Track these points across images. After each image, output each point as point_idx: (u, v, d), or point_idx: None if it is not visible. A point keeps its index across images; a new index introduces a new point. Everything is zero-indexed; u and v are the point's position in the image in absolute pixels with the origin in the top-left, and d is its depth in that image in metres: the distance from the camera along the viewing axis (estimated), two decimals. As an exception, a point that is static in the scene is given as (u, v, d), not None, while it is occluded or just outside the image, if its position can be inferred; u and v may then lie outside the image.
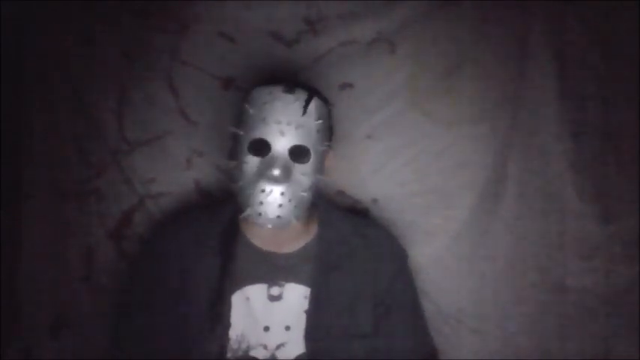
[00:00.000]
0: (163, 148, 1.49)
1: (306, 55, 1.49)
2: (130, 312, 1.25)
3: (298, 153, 1.16)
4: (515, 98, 1.50)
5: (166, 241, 1.26)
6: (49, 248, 1.48)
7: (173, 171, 1.50)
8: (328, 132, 1.23)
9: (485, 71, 1.50)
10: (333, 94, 1.47)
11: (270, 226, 1.16)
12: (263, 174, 1.14)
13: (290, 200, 1.16)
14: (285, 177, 1.14)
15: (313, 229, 1.29)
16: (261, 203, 1.15)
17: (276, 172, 1.13)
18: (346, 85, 1.50)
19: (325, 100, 1.24)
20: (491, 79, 1.50)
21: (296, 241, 1.27)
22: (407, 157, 1.50)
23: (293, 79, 1.28)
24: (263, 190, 1.14)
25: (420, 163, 1.50)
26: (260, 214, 1.15)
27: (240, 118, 1.18)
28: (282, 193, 1.15)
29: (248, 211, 1.16)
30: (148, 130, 1.49)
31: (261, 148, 1.16)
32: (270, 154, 1.15)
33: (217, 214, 1.29)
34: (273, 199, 1.15)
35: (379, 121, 1.50)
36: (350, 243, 1.29)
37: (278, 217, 1.15)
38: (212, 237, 1.25)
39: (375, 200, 1.51)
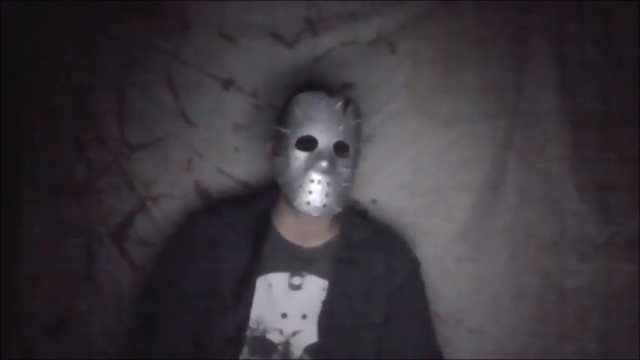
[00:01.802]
0: (164, 149, 1.50)
1: (306, 55, 1.49)
2: (157, 287, 1.34)
3: (340, 148, 1.27)
4: (515, 98, 1.50)
5: (202, 225, 1.35)
6: (49, 248, 1.48)
7: (173, 173, 1.50)
8: (361, 133, 1.34)
9: (485, 71, 1.50)
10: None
11: (316, 214, 1.26)
12: (312, 165, 1.25)
13: (335, 190, 1.26)
14: (332, 168, 1.25)
15: (336, 228, 1.37)
16: (311, 192, 1.25)
17: (325, 163, 1.24)
18: (346, 85, 1.50)
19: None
20: (491, 79, 1.50)
21: (320, 237, 1.35)
22: (407, 157, 1.51)
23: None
24: (312, 181, 1.25)
25: (420, 164, 1.50)
26: (309, 203, 1.25)
27: (286, 120, 1.28)
28: (329, 184, 1.25)
29: (297, 201, 1.25)
30: (148, 131, 1.49)
31: (309, 144, 1.26)
32: (318, 148, 1.25)
33: (252, 205, 1.39)
34: (322, 188, 1.25)
35: (379, 121, 1.50)
36: (369, 244, 1.36)
37: (324, 205, 1.26)
38: (245, 226, 1.35)
39: (374, 201, 1.52)
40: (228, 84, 1.49)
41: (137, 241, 1.50)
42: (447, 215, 1.50)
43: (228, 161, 1.51)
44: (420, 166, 1.51)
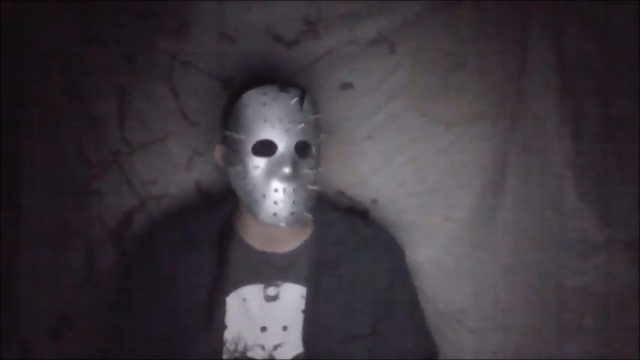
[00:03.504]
0: (164, 149, 1.49)
1: (306, 55, 1.49)
2: (125, 314, 1.27)
3: (302, 149, 1.18)
4: (515, 98, 1.50)
5: (161, 244, 1.27)
6: (49, 248, 1.48)
7: (174, 172, 1.50)
8: (320, 127, 1.25)
9: (486, 71, 1.50)
10: (333, 94, 1.48)
11: (283, 224, 1.17)
12: (274, 173, 1.15)
13: (301, 196, 1.17)
14: (296, 174, 1.16)
15: (309, 229, 1.30)
16: (276, 202, 1.16)
17: (288, 170, 1.14)
18: (346, 85, 1.50)
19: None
20: (491, 79, 1.50)
21: (292, 241, 1.27)
22: (407, 157, 1.50)
23: (277, 78, 1.29)
24: (276, 190, 1.15)
25: (420, 164, 1.50)
26: (275, 214, 1.16)
27: (237, 122, 1.18)
28: (295, 190, 1.16)
29: (262, 214, 1.17)
30: (148, 131, 1.49)
31: (267, 148, 1.16)
32: (278, 153, 1.16)
33: (212, 215, 1.30)
34: (288, 196, 1.16)
35: (379, 121, 1.50)
36: (347, 242, 1.29)
37: (292, 213, 1.17)
38: (207, 238, 1.26)
39: (374, 201, 1.51)
40: (228, 83, 1.49)
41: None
42: (447, 215, 1.50)
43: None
44: (420, 166, 1.50)
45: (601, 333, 1.49)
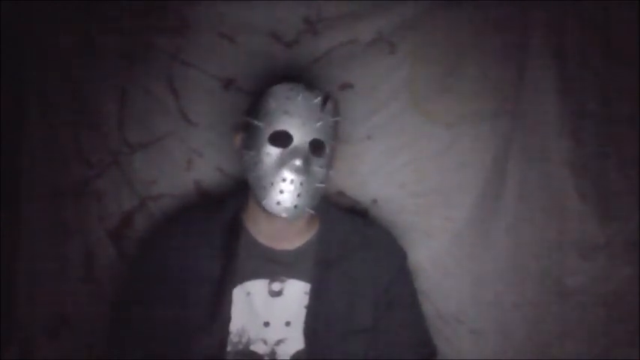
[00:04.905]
0: (164, 149, 1.50)
1: (306, 55, 1.49)
2: (130, 306, 1.28)
3: (316, 146, 1.21)
4: (515, 98, 1.50)
5: (168, 237, 1.29)
6: (49, 248, 1.48)
7: (173, 172, 1.50)
8: (338, 132, 1.28)
9: (485, 71, 1.50)
10: (333, 94, 1.48)
11: (285, 215, 1.19)
12: (285, 163, 1.18)
13: (307, 191, 1.20)
14: (306, 168, 1.18)
15: (314, 227, 1.32)
16: (282, 192, 1.18)
17: (299, 162, 1.17)
18: (346, 85, 1.50)
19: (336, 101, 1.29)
20: (491, 79, 1.50)
21: (297, 239, 1.30)
22: (407, 157, 1.50)
23: (307, 79, 1.33)
24: (284, 179, 1.18)
25: (420, 164, 1.50)
26: (279, 203, 1.19)
27: (260, 111, 1.21)
28: (302, 183, 1.19)
29: (266, 200, 1.19)
30: (148, 131, 1.49)
31: (283, 139, 1.19)
32: (293, 145, 1.19)
33: (220, 210, 1.32)
34: (294, 188, 1.18)
35: (379, 121, 1.50)
36: (350, 242, 1.31)
37: (295, 206, 1.19)
38: (214, 232, 1.28)
39: (374, 201, 1.52)
40: (228, 84, 1.49)
41: (136, 241, 1.49)
42: (447, 215, 1.50)
43: (228, 161, 1.51)
44: (420, 166, 1.50)
45: (601, 333, 1.49)
